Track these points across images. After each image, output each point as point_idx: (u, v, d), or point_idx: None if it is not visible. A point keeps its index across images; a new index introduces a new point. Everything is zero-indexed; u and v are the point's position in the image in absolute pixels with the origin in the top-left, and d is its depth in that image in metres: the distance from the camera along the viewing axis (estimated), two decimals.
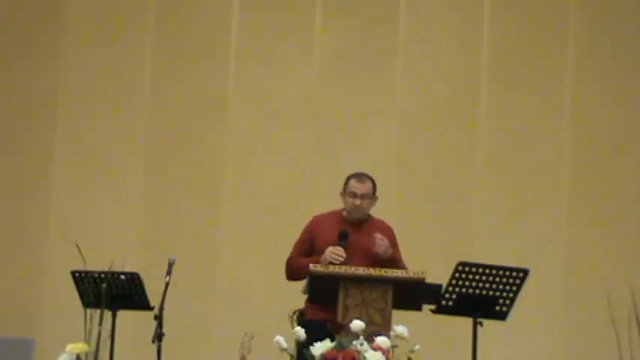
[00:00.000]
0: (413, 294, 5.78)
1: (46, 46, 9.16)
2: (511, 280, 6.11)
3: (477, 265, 6.09)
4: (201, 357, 8.68)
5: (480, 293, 6.08)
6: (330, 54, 9.00)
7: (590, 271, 8.49)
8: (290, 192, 8.70)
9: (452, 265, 6.09)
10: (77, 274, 6.74)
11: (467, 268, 6.06)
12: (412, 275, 5.75)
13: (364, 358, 5.05)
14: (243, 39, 9.07)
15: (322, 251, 6.14)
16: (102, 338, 5.21)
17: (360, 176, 6.41)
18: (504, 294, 6.11)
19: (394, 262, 6.19)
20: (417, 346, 5.20)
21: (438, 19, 8.95)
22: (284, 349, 5.22)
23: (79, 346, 5.10)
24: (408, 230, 8.66)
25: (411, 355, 5.23)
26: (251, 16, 9.09)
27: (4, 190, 9.07)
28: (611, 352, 5.28)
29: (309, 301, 6.25)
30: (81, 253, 5.59)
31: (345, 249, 6.11)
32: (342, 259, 6.07)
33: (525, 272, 6.13)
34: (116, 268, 6.02)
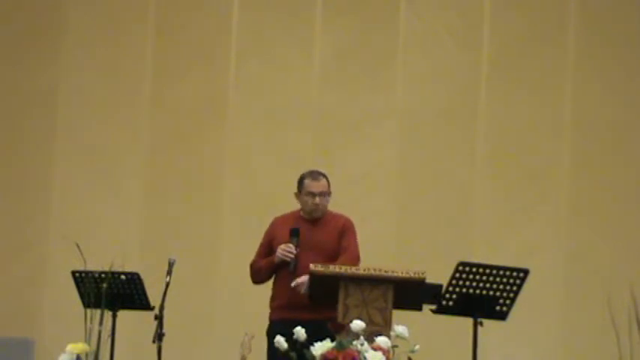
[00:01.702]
0: (413, 294, 5.78)
1: (46, 45, 9.16)
2: (511, 280, 6.10)
3: (477, 265, 6.09)
4: (201, 357, 8.67)
5: (480, 293, 6.08)
6: (330, 54, 9.00)
7: (590, 271, 8.49)
8: (290, 192, 8.68)
9: (452, 265, 6.08)
10: (77, 274, 6.74)
11: (467, 268, 6.06)
12: (412, 275, 5.75)
13: (364, 358, 5.05)
14: (243, 39, 9.07)
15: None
16: (102, 338, 5.21)
17: (314, 175, 6.45)
18: (504, 294, 6.11)
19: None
20: (417, 346, 5.19)
21: (438, 19, 8.95)
22: (284, 350, 5.21)
23: (80, 346, 5.10)
24: (408, 230, 8.69)
25: (411, 355, 5.23)
26: (251, 16, 9.09)
27: (4, 190, 9.07)
28: (611, 352, 5.28)
29: (273, 300, 6.34)
30: (81, 253, 5.59)
31: (296, 246, 6.22)
32: (292, 256, 6.19)
33: (525, 272, 6.13)
34: (116, 268, 6.01)
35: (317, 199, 6.36)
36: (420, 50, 8.94)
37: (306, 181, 6.41)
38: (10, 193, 9.07)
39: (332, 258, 6.20)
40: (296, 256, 6.20)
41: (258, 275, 6.46)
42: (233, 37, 9.09)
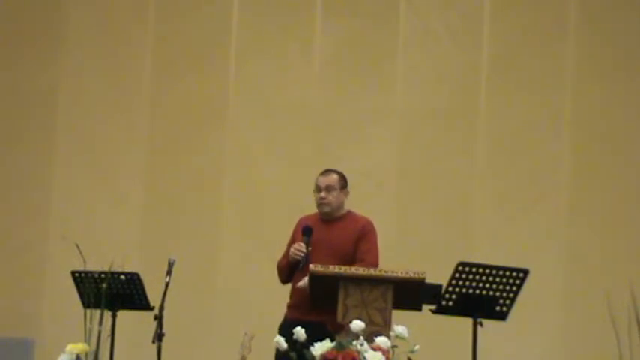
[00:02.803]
0: (413, 294, 5.77)
1: (46, 46, 9.16)
2: (511, 280, 6.10)
3: (477, 265, 6.09)
4: (201, 357, 8.68)
5: (480, 293, 6.08)
6: (330, 54, 9.00)
7: (590, 271, 8.49)
8: (290, 192, 8.70)
9: (452, 265, 6.08)
10: (77, 274, 6.74)
11: (467, 268, 6.06)
12: (412, 275, 5.74)
13: (364, 358, 5.05)
14: (243, 39, 9.07)
15: None
16: (102, 338, 5.21)
17: (325, 171, 6.44)
18: (504, 294, 6.11)
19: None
20: (417, 346, 5.19)
21: (438, 19, 8.95)
22: (284, 350, 5.22)
23: (79, 346, 5.10)
24: (408, 230, 8.69)
25: (411, 355, 5.23)
26: (251, 16, 9.09)
27: (4, 189, 9.07)
28: (611, 352, 5.27)
29: (289, 299, 6.33)
30: (81, 253, 5.60)
31: (308, 244, 6.18)
32: (301, 254, 6.16)
33: (525, 272, 6.13)
34: (116, 268, 6.01)
35: (322, 193, 6.32)
36: (420, 50, 8.94)
37: (317, 178, 6.41)
38: (10, 193, 9.07)
39: (344, 259, 6.16)
40: (306, 254, 6.17)
41: (280, 275, 6.44)
42: (233, 37, 9.09)
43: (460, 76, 8.89)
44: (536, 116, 8.81)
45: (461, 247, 8.37)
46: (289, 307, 6.36)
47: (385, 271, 5.79)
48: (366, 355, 5.05)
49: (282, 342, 5.20)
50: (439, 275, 6.14)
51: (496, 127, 8.83)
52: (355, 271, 5.78)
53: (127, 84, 9.12)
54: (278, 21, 9.05)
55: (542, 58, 8.83)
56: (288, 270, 6.34)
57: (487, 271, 6.08)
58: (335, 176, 6.39)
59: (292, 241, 6.42)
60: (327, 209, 6.36)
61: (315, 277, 5.81)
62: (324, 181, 6.36)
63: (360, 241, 6.30)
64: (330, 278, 5.73)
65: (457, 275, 6.06)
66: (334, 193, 6.35)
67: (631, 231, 8.59)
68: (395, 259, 8.30)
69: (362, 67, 8.96)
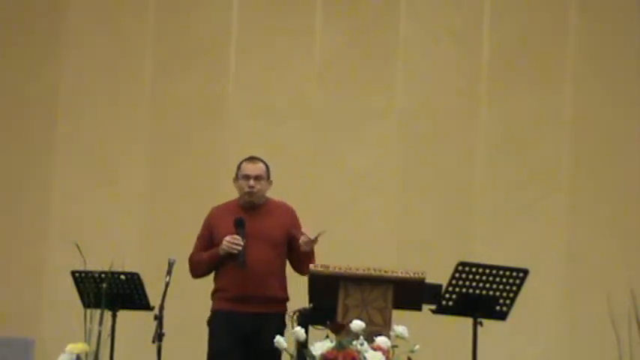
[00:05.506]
0: (413, 294, 5.78)
1: (46, 43, 9.16)
2: (511, 280, 6.11)
3: (477, 265, 6.09)
4: (202, 357, 8.66)
5: (480, 293, 6.08)
6: (330, 54, 9.00)
7: (590, 271, 8.49)
8: (290, 192, 8.68)
9: (452, 265, 6.09)
10: (77, 274, 6.74)
11: (467, 268, 6.06)
12: (412, 275, 5.75)
13: (364, 358, 5.05)
14: (243, 38, 9.07)
15: (221, 242, 6.14)
16: (102, 338, 5.22)
17: (251, 158, 6.33)
18: (504, 294, 6.12)
19: (311, 255, 6.09)
20: (417, 346, 5.20)
21: (438, 19, 8.95)
22: (284, 349, 5.22)
23: (79, 346, 5.10)
24: (409, 230, 8.69)
25: (411, 355, 5.23)
26: (251, 15, 9.09)
27: (4, 189, 9.07)
28: (611, 351, 5.28)
29: (217, 292, 6.36)
30: (81, 253, 5.60)
31: (243, 236, 6.08)
32: (239, 248, 6.06)
33: (525, 272, 6.13)
34: (116, 268, 6.02)
35: (251, 182, 6.22)
36: (420, 50, 8.94)
37: (243, 165, 6.29)
38: (10, 193, 9.06)
39: (277, 246, 6.15)
40: (244, 247, 6.08)
41: (198, 269, 6.37)
42: (233, 37, 9.09)
43: (460, 76, 8.89)
44: (536, 116, 8.81)
45: (461, 247, 8.37)
46: (222, 299, 6.32)
47: (385, 271, 5.80)
48: (366, 355, 5.05)
49: (281, 341, 5.21)
50: (439, 275, 6.15)
51: (496, 127, 8.83)
52: (355, 271, 5.79)
53: (127, 83, 9.12)
54: (278, 21, 9.05)
55: (542, 58, 8.83)
56: (214, 264, 6.25)
57: (487, 271, 6.09)
58: (262, 165, 6.31)
59: (206, 233, 6.34)
60: (254, 198, 6.25)
61: (315, 278, 5.81)
62: (254, 169, 6.27)
63: (295, 230, 6.21)
64: (330, 278, 5.73)
65: (457, 275, 6.06)
66: (262, 182, 6.27)
67: (631, 231, 8.59)
68: (395, 259, 8.33)
69: (362, 67, 8.96)
